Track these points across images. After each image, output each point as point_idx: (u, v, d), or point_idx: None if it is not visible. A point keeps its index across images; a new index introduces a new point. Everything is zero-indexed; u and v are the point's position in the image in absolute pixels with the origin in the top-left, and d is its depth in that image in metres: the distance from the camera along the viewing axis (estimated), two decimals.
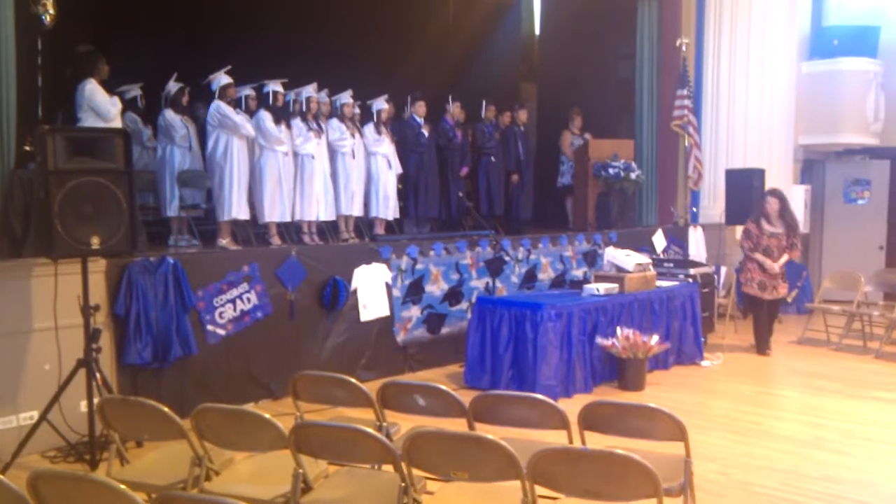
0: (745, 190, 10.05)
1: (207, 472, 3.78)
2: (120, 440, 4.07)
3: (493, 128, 10.44)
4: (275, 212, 7.80)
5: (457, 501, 3.59)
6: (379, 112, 8.94)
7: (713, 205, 11.50)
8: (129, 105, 7.83)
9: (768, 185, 9.98)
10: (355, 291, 7.56)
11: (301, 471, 3.57)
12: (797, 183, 12.13)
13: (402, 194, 9.39)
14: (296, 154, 8.01)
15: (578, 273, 9.54)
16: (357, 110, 8.75)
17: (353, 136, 8.54)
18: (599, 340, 7.40)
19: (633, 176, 10.32)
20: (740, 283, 9.09)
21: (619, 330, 7.45)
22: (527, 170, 10.77)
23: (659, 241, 10.56)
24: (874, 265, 11.27)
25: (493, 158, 10.31)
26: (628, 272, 8.04)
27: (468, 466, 3.38)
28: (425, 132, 9.53)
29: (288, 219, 7.98)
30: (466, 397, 4.17)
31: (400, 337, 7.96)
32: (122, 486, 2.75)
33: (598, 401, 4.02)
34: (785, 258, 8.67)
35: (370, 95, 8.99)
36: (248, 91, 7.76)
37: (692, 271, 9.13)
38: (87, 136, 5.60)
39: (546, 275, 9.27)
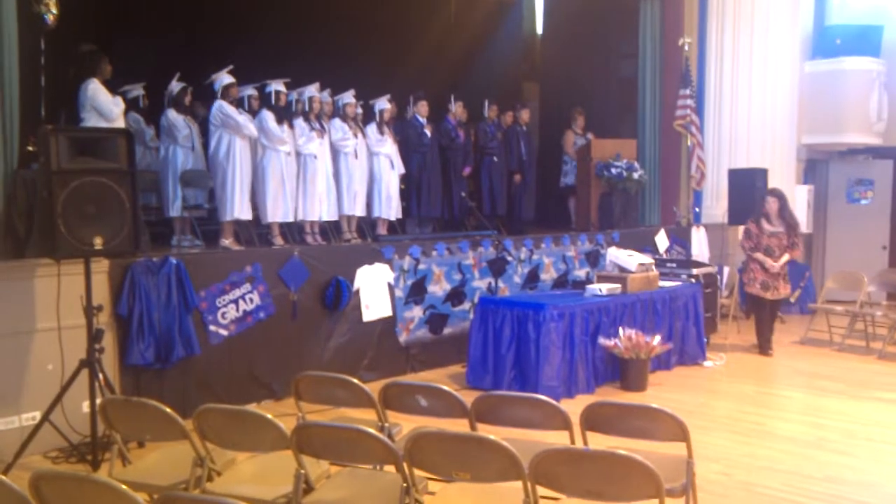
0: (748, 190, 10.03)
1: (209, 473, 3.79)
2: (122, 441, 4.07)
3: (496, 127, 10.44)
4: (277, 212, 7.80)
5: (458, 502, 3.59)
6: (381, 112, 8.94)
7: (716, 205, 11.49)
8: (131, 105, 7.83)
9: (771, 184, 9.97)
10: (358, 292, 7.56)
11: (303, 471, 3.57)
12: (800, 183, 12.12)
13: (404, 194, 9.39)
14: (298, 154, 8.01)
15: (581, 273, 9.53)
16: (359, 110, 8.75)
17: (355, 136, 8.54)
18: (602, 341, 7.39)
19: (635, 176, 10.31)
20: (743, 284, 9.09)
21: (621, 330, 7.45)
22: (529, 170, 10.77)
23: (661, 241, 10.55)
24: (877, 265, 11.24)
25: (495, 158, 10.31)
26: (631, 272, 8.03)
27: (470, 467, 3.38)
28: (428, 132, 9.54)
29: (291, 219, 7.98)
30: (468, 398, 4.17)
31: (402, 337, 7.96)
32: (124, 487, 2.75)
33: (601, 401, 4.02)
34: (786, 257, 8.66)
35: (372, 95, 8.99)
36: (250, 91, 7.77)
37: (695, 271, 9.12)
38: (89, 136, 5.60)
39: (549, 275, 9.27)
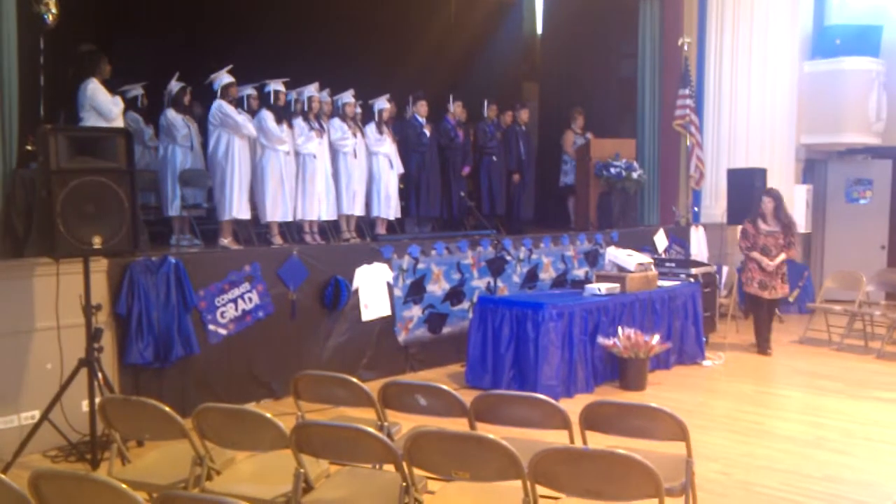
0: (747, 189, 10.04)
1: (209, 472, 3.79)
2: (121, 440, 4.08)
3: (495, 127, 10.44)
4: (276, 211, 7.80)
5: (458, 501, 3.59)
6: (380, 112, 8.94)
7: (715, 204, 11.49)
8: (130, 104, 7.83)
9: (770, 184, 9.98)
10: (357, 291, 7.56)
11: (302, 470, 3.57)
12: (799, 182, 12.12)
13: (403, 194, 9.39)
14: (297, 154, 8.01)
15: (580, 273, 9.53)
16: (359, 110, 8.75)
17: (354, 135, 8.54)
18: (601, 340, 7.40)
19: (634, 175, 10.32)
20: (742, 283, 9.10)
21: (620, 330, 7.45)
22: (528, 169, 10.76)
23: (660, 240, 10.55)
24: (876, 265, 11.26)
25: (494, 158, 10.30)
26: (630, 272, 8.04)
27: (469, 466, 3.39)
28: (427, 132, 9.53)
29: (290, 218, 7.98)
30: (468, 397, 4.17)
31: (401, 337, 7.96)
32: (124, 486, 2.75)
33: (600, 400, 4.02)
34: (782, 256, 8.68)
35: (372, 95, 8.99)
36: (249, 90, 7.77)
37: (694, 271, 9.13)
38: (89, 135, 5.60)
39: (547, 274, 9.27)
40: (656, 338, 7.45)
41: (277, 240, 7.84)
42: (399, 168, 9.10)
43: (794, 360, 8.71)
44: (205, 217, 8.09)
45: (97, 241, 5.21)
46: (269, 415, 3.63)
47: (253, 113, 7.72)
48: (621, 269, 8.12)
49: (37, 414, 5.44)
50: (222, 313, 6.61)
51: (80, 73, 6.78)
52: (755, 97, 11.47)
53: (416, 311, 8.06)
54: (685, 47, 11.12)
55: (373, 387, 4.42)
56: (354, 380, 4.35)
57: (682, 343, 8.36)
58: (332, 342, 7.41)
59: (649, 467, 3.08)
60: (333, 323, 7.42)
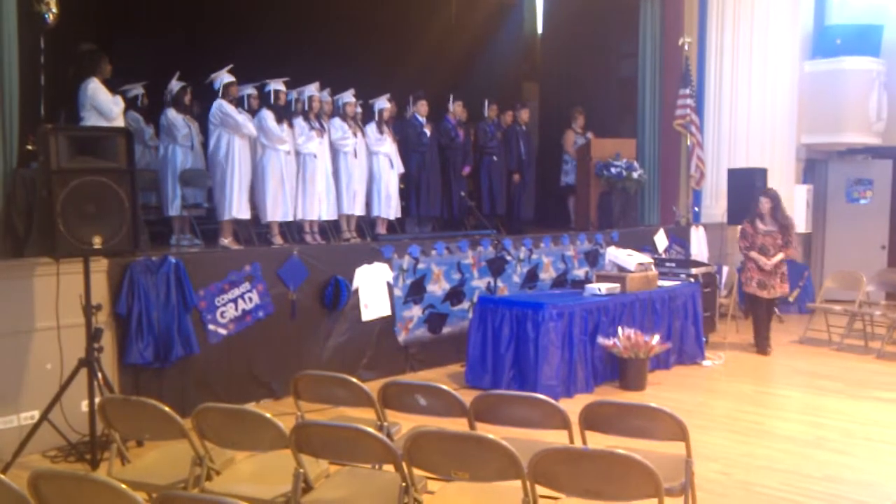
0: (748, 189, 10.04)
1: (208, 472, 3.79)
2: (121, 440, 4.08)
3: (495, 127, 10.44)
4: (277, 211, 7.80)
5: (458, 501, 3.59)
6: (381, 111, 8.94)
7: (715, 204, 11.49)
8: (130, 104, 7.83)
9: (770, 184, 9.99)
10: (357, 291, 7.56)
11: (302, 470, 3.57)
12: (799, 182, 12.12)
13: (403, 194, 9.38)
14: (298, 153, 8.01)
15: (580, 273, 9.53)
16: (359, 109, 8.75)
17: (355, 135, 8.54)
18: (601, 340, 7.40)
19: (635, 175, 10.32)
20: (741, 283, 9.11)
21: (620, 330, 7.45)
22: (528, 169, 10.76)
23: (661, 240, 10.55)
24: (876, 265, 11.26)
25: (494, 158, 10.30)
26: (630, 272, 8.04)
27: (469, 466, 3.38)
28: (427, 131, 9.53)
29: (290, 218, 7.98)
30: (467, 397, 4.17)
31: (401, 336, 7.96)
32: (123, 486, 2.75)
33: (600, 401, 4.02)
34: (780, 256, 8.69)
35: (372, 95, 8.99)
36: (249, 90, 7.77)
37: (694, 271, 9.13)
38: (89, 135, 5.60)
39: (548, 274, 9.27)
40: (656, 338, 7.45)
41: (278, 240, 7.84)
42: (399, 168, 9.10)
43: (794, 360, 8.71)
44: (205, 217, 8.08)
45: (97, 241, 5.21)
46: (268, 415, 3.63)
47: (253, 112, 7.72)
48: (621, 269, 8.11)
49: (36, 414, 5.44)
50: (222, 313, 6.61)
51: (80, 73, 6.78)
52: (756, 97, 11.47)
53: (416, 311, 8.06)
54: (686, 47, 11.12)
55: (373, 387, 4.42)
56: (354, 380, 4.35)
57: (681, 343, 8.36)
58: (332, 342, 7.41)
59: (649, 467, 3.08)
60: (333, 323, 7.42)
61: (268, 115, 7.71)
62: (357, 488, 3.70)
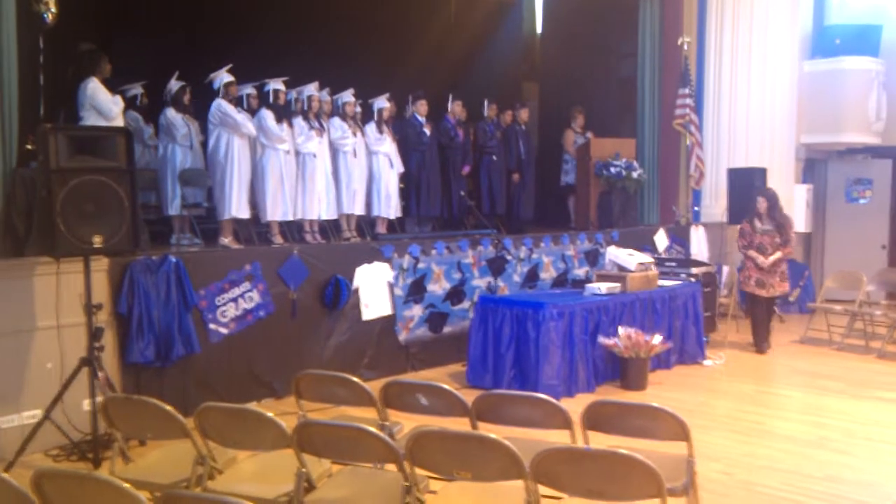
0: (747, 189, 10.04)
1: (210, 471, 3.79)
2: (123, 439, 4.07)
3: (495, 126, 10.43)
4: (277, 211, 7.80)
5: (459, 501, 3.59)
6: (380, 111, 8.93)
7: (715, 204, 11.49)
8: (129, 103, 7.82)
9: (770, 184, 9.99)
10: (357, 290, 7.56)
11: (304, 470, 3.57)
12: (799, 182, 12.12)
13: (403, 193, 9.38)
14: (298, 153, 8.01)
15: (580, 272, 9.53)
16: (359, 109, 8.74)
17: (354, 134, 8.53)
18: (601, 340, 7.39)
19: (634, 175, 10.32)
20: (741, 282, 9.12)
21: (621, 329, 7.45)
22: (528, 169, 10.76)
23: (661, 240, 10.56)
24: (876, 264, 11.25)
25: (494, 157, 10.29)
26: (630, 271, 8.03)
27: (471, 466, 3.38)
28: (427, 131, 9.53)
29: (290, 218, 7.98)
30: (468, 397, 4.17)
31: (402, 336, 7.96)
32: (126, 485, 2.75)
33: (601, 400, 4.02)
34: (778, 255, 8.70)
35: (372, 94, 8.98)
36: (249, 90, 7.76)
37: (694, 270, 9.13)
38: (88, 134, 5.60)
39: (548, 274, 9.27)
40: (657, 337, 7.45)
41: (278, 239, 7.84)
42: (399, 167, 9.10)
43: (794, 360, 8.71)
44: (205, 216, 8.08)
45: (97, 241, 5.21)
46: (270, 414, 3.63)
47: (253, 112, 7.71)
48: (622, 268, 8.11)
49: (38, 413, 5.44)
50: (223, 312, 6.61)
51: (79, 72, 6.77)
52: (755, 96, 11.47)
53: (416, 311, 8.06)
54: (685, 46, 11.12)
55: (374, 386, 4.42)
56: (356, 379, 4.34)
57: (682, 343, 8.36)
58: (333, 341, 7.41)
59: (651, 467, 3.08)
60: (334, 322, 7.41)
61: (267, 115, 7.71)
62: (359, 488, 3.70)
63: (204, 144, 7.75)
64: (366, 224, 8.96)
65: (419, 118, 9.51)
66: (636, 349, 7.30)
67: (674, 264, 9.33)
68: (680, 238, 10.89)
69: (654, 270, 8.32)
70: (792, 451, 5.70)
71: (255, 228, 7.98)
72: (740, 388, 7.56)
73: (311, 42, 9.92)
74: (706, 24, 11.57)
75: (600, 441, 3.74)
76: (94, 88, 6.64)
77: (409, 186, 9.50)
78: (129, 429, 4.09)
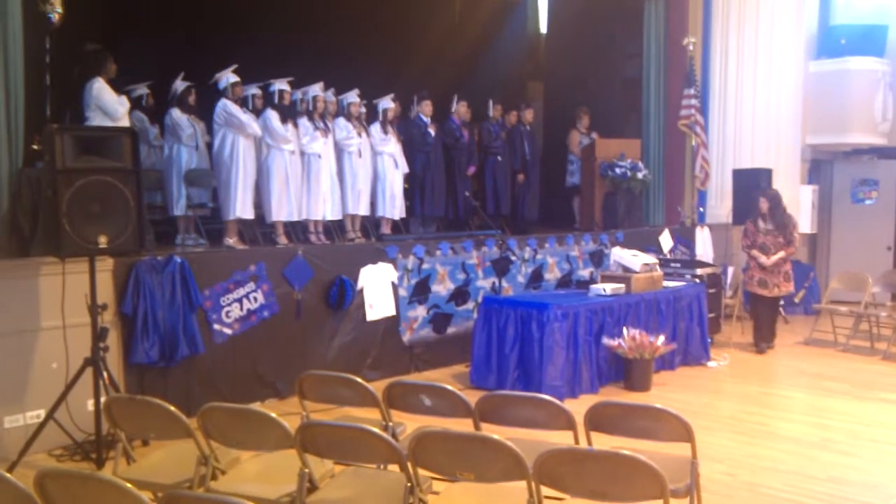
0: (753, 190, 9.98)
1: (213, 471, 3.79)
2: (126, 439, 4.08)
3: (500, 127, 10.44)
4: (282, 211, 7.81)
5: (462, 502, 3.59)
6: (385, 111, 8.94)
7: (720, 205, 11.48)
8: (135, 104, 7.85)
9: (776, 185, 9.97)
10: (361, 291, 7.57)
11: (307, 470, 3.57)
12: (805, 183, 12.09)
13: (408, 194, 9.39)
14: (302, 153, 8.02)
15: (585, 273, 9.52)
16: (363, 109, 8.76)
17: (359, 135, 8.54)
18: (606, 341, 7.39)
19: (639, 176, 10.31)
20: (745, 282, 9.12)
21: (625, 330, 7.44)
22: (532, 169, 10.76)
23: (666, 241, 10.55)
24: (882, 266, 11.22)
25: (499, 158, 10.30)
26: (635, 272, 8.02)
27: (474, 467, 3.38)
28: (432, 131, 9.53)
29: (295, 218, 7.99)
30: (472, 397, 4.17)
31: (406, 337, 7.96)
32: (129, 485, 2.76)
33: (605, 401, 4.01)
34: (780, 254, 8.69)
35: (376, 94, 8.99)
36: (254, 90, 7.78)
37: (699, 271, 9.11)
38: (94, 134, 5.61)
39: (552, 275, 9.26)
40: (661, 338, 7.44)
41: (282, 239, 7.85)
42: (404, 168, 9.11)
43: (799, 362, 8.69)
44: (210, 217, 8.10)
45: (103, 241, 5.22)
46: (273, 414, 3.64)
47: (258, 112, 7.73)
48: (626, 269, 8.10)
49: (42, 413, 5.45)
50: (227, 313, 6.62)
51: (85, 73, 6.80)
52: (760, 97, 11.45)
53: (420, 311, 8.06)
54: (690, 47, 11.12)
55: (377, 387, 4.42)
56: (359, 380, 4.35)
57: (686, 344, 8.35)
58: (337, 342, 7.41)
59: (654, 468, 3.08)
60: (338, 323, 7.42)
61: (272, 115, 7.72)
62: (362, 488, 3.70)
63: (209, 145, 7.77)
64: (370, 224, 8.97)
65: (424, 118, 9.51)
66: (640, 350, 7.29)
67: (678, 265, 9.33)
68: (685, 239, 10.88)
69: (658, 271, 8.31)
70: (796, 453, 5.69)
71: (259, 229, 7.99)
72: (744, 389, 7.55)
73: (316, 42, 9.93)
74: (711, 25, 11.57)
75: (604, 442, 3.74)
76: (100, 89, 6.66)
77: (414, 187, 9.51)
78: (132, 429, 4.10)
